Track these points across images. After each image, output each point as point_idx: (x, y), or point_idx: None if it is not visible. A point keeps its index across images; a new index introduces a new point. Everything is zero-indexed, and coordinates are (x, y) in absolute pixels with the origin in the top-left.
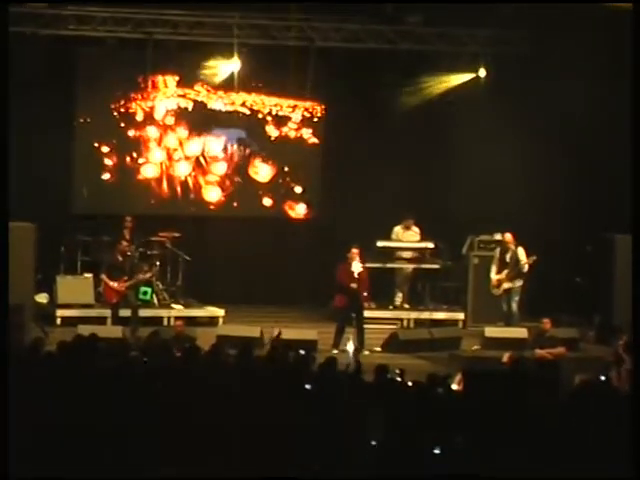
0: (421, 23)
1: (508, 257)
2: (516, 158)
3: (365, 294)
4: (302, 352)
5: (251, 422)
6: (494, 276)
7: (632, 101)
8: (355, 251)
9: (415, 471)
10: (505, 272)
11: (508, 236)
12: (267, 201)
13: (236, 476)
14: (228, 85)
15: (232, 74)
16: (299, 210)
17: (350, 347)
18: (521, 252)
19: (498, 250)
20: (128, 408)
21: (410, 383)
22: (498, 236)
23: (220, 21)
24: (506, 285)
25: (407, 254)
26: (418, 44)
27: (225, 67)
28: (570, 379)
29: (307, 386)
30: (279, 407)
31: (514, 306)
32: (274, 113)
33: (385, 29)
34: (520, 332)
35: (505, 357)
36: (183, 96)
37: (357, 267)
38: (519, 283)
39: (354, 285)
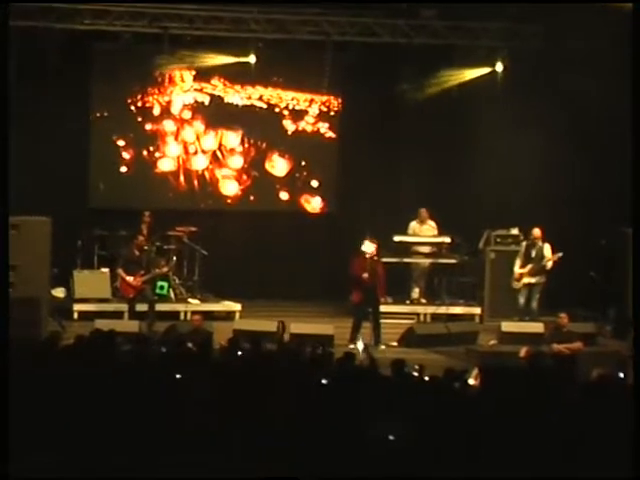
0: (436, 17)
1: (534, 252)
2: (533, 152)
3: (381, 289)
4: (320, 349)
5: (266, 418)
6: (517, 270)
7: (633, 101)
8: (372, 245)
9: (432, 467)
10: (529, 267)
11: (537, 231)
12: (284, 195)
13: (250, 472)
14: (245, 79)
15: (249, 68)
16: (315, 204)
17: (360, 345)
18: (547, 249)
19: (524, 244)
20: (145, 402)
21: (427, 378)
22: (515, 231)
23: (236, 16)
24: (526, 280)
25: (424, 249)
26: (433, 38)
27: (242, 61)
28: (587, 374)
29: (324, 381)
30: (294, 402)
31: (534, 303)
32: (291, 107)
33: (400, 23)
34: (537, 327)
35: (522, 352)
36: (200, 90)
37: (369, 247)
38: (541, 280)
39: (366, 275)
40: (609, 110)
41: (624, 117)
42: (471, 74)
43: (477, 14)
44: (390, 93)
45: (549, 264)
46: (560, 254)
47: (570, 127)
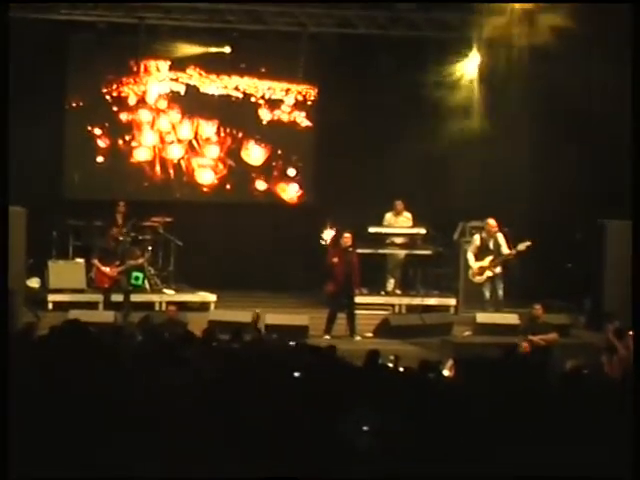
0: (413, 9)
1: (491, 244)
2: (509, 145)
3: (356, 280)
4: (292, 343)
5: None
6: (474, 264)
7: (633, 100)
8: (347, 236)
9: (409, 458)
10: (489, 259)
11: (492, 222)
12: (260, 184)
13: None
14: (221, 69)
15: (224, 58)
16: (292, 193)
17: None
18: (501, 238)
19: (478, 237)
20: (120, 392)
21: (402, 369)
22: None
23: (213, 6)
24: (489, 273)
25: (399, 240)
26: (410, 30)
27: (217, 51)
28: (562, 365)
29: (296, 374)
30: (265, 395)
31: (500, 292)
32: (267, 97)
33: (377, 15)
34: (511, 318)
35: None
36: (175, 80)
37: (328, 235)
38: (499, 270)
39: (335, 260)
40: (588, 101)
41: (604, 107)
42: (449, 65)
43: (453, 6)
44: (367, 83)
45: (506, 251)
46: (528, 243)
47: (547, 119)
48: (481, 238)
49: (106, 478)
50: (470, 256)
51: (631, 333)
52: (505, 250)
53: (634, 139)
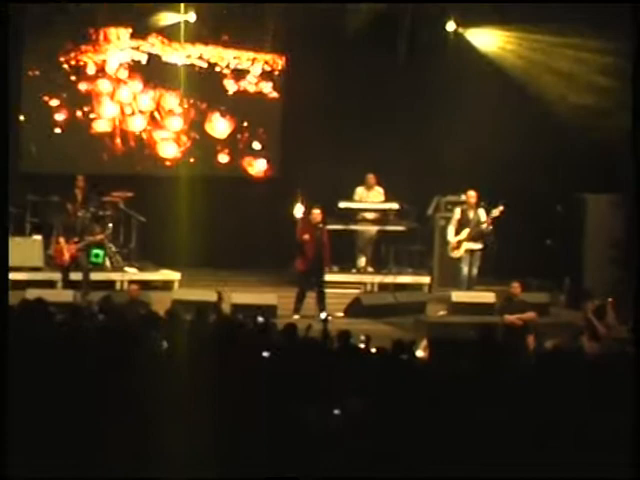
0: None
1: (471, 216)
2: (486, 115)
3: (326, 257)
4: (261, 319)
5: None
6: (452, 238)
7: (633, 101)
8: (317, 212)
9: (381, 441)
10: (466, 232)
11: (471, 193)
12: (225, 158)
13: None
14: (184, 37)
15: (188, 26)
16: (258, 167)
17: (323, 315)
18: (482, 213)
19: (459, 210)
20: (81, 375)
21: (374, 350)
22: (464, 197)
23: None
24: (467, 246)
25: (370, 215)
26: None
27: (180, 18)
28: (541, 345)
29: (265, 354)
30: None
31: (475, 270)
32: (232, 66)
33: None
34: (488, 297)
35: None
36: (137, 48)
37: (299, 211)
38: (479, 246)
39: (306, 237)
40: (566, 73)
41: (584, 80)
42: (422, 34)
43: None
44: (338, 52)
45: (485, 226)
46: (501, 207)
47: (524, 90)
48: (461, 211)
49: (106, 478)
50: (450, 230)
51: (612, 314)
52: (483, 223)
53: (634, 139)
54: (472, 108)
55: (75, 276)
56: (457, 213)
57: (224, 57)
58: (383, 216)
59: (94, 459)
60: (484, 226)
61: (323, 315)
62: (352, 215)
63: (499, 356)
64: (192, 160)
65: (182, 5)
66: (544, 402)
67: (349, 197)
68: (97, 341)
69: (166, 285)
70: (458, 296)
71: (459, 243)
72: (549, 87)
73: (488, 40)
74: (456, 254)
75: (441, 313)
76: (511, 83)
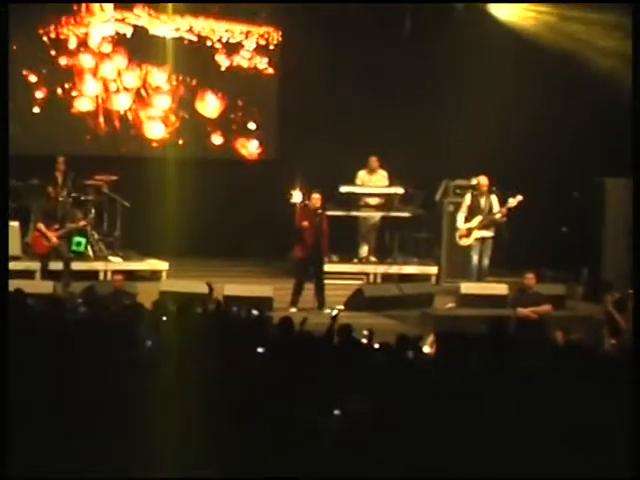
0: None
1: (483, 203)
2: (498, 97)
3: (325, 246)
4: (255, 312)
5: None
6: (462, 225)
7: (634, 99)
8: (316, 197)
9: (383, 443)
10: (477, 219)
11: (483, 179)
12: (217, 139)
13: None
14: (172, 9)
15: None
16: (252, 148)
17: (334, 312)
18: (494, 200)
19: (469, 196)
20: (63, 371)
21: (377, 345)
22: (475, 181)
23: None
24: (477, 234)
25: (373, 200)
26: None
27: None
28: (555, 340)
29: (260, 349)
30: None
31: (486, 260)
32: (225, 40)
33: None
34: (500, 288)
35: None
36: (121, 21)
37: (298, 197)
38: (490, 234)
39: (305, 224)
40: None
41: (600, 64)
42: (429, 11)
43: None
44: (337, 25)
45: (498, 215)
46: (520, 197)
47: (541, 72)
48: (472, 197)
49: (105, 478)
50: (460, 216)
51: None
52: (495, 212)
53: (634, 138)
54: (483, 86)
55: (55, 266)
56: (467, 199)
57: (215, 30)
58: (387, 201)
59: (75, 456)
60: (498, 216)
61: (334, 312)
62: (354, 200)
63: (511, 351)
64: (181, 141)
65: None
66: (560, 401)
67: (351, 181)
68: (80, 335)
69: (153, 275)
70: (468, 287)
71: (469, 230)
72: (567, 63)
73: (506, 11)
74: (465, 242)
75: (449, 306)
76: (526, 58)
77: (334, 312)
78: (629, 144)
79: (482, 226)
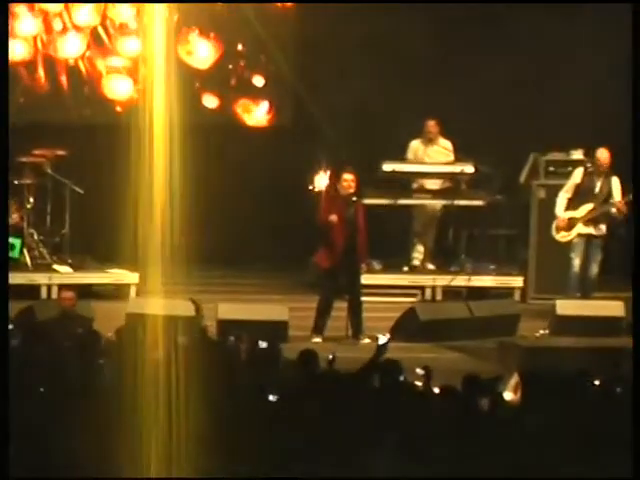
0: None
1: (598, 187)
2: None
3: (362, 248)
4: (263, 343)
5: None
6: (563, 213)
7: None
8: (349, 178)
9: None
10: (587, 207)
11: (603, 154)
12: (210, 100)
13: None
14: None
15: None
16: (259, 112)
17: (382, 339)
18: (616, 183)
19: (580, 173)
20: None
21: (437, 389)
22: (578, 154)
23: None
24: (582, 229)
25: (432, 183)
26: None
27: None
28: None
29: (271, 397)
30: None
31: (594, 267)
32: None
33: None
34: (613, 307)
35: None
36: None
37: (321, 180)
38: (601, 231)
39: (334, 217)
40: None
41: None
42: None
43: None
44: None
45: (624, 201)
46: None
47: None
48: (584, 174)
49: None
50: (562, 199)
51: None
52: (615, 202)
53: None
54: None
55: None
56: (577, 176)
57: None
58: (451, 184)
59: None
60: (614, 210)
61: (380, 341)
62: (403, 183)
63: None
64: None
65: None
66: None
67: (398, 156)
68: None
69: (117, 292)
70: (566, 306)
71: (572, 222)
72: None
73: None
74: (565, 237)
75: (541, 333)
76: None
77: (380, 341)
78: None
79: (591, 218)
